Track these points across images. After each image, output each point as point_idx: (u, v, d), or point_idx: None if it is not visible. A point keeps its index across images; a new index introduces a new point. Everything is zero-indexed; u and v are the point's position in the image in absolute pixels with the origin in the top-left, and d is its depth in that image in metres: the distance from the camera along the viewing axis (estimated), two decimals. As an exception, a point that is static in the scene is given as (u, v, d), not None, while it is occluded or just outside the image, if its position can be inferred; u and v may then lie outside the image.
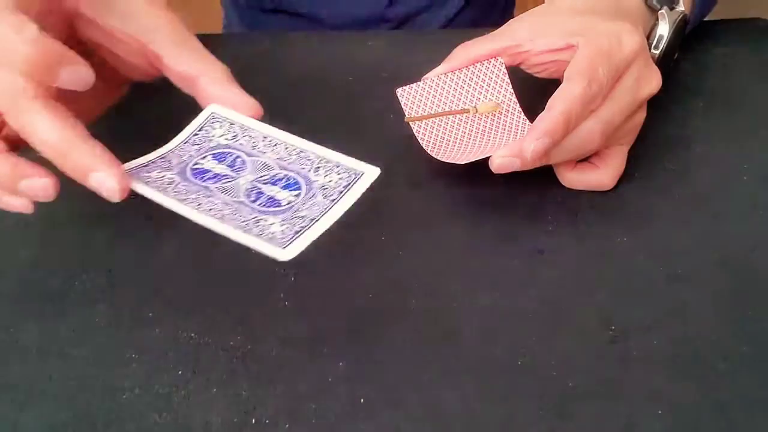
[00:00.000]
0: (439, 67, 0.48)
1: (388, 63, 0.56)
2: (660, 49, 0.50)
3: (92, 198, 0.46)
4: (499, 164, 0.42)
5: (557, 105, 0.41)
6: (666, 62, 0.52)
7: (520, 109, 0.47)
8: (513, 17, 0.88)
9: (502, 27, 0.48)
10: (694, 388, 0.37)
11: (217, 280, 0.42)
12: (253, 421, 0.36)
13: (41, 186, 0.36)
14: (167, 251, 0.43)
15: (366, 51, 0.58)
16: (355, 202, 0.46)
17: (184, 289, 0.41)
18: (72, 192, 0.46)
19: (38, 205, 0.45)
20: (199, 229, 0.44)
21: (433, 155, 0.45)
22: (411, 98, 0.48)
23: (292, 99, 0.53)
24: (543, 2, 0.51)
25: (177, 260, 0.42)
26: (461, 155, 0.45)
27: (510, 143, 0.43)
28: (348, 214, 0.45)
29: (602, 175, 0.46)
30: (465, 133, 0.47)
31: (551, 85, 0.45)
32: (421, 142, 0.46)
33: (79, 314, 0.40)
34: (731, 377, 0.37)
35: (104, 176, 0.34)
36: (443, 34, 0.61)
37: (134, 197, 0.36)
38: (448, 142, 0.47)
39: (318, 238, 0.44)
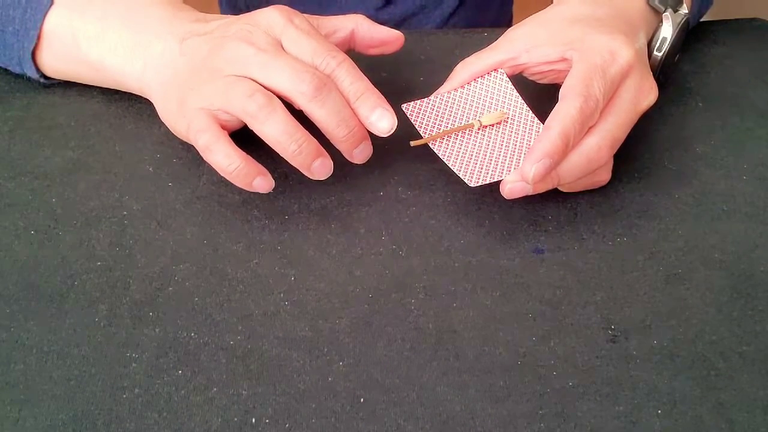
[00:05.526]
0: (442, 87, 0.49)
1: (388, 63, 0.56)
2: (663, 51, 0.50)
3: (92, 198, 0.46)
4: (510, 189, 0.42)
5: (554, 125, 0.41)
6: (668, 64, 0.52)
7: (531, 113, 0.47)
8: (511, 14, 0.89)
9: (500, 38, 0.48)
10: (694, 388, 0.37)
11: (217, 280, 0.42)
12: (253, 420, 0.36)
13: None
14: (167, 251, 0.43)
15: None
16: (355, 202, 0.46)
17: (184, 289, 0.41)
18: (72, 191, 0.46)
19: (38, 205, 0.45)
20: (198, 230, 0.44)
21: (453, 169, 0.45)
22: (418, 113, 0.48)
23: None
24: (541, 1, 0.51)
25: (177, 260, 0.42)
26: (477, 171, 0.44)
27: (517, 169, 0.42)
28: (348, 213, 0.45)
29: (599, 174, 0.46)
30: (481, 145, 0.47)
31: (556, 88, 0.45)
32: (441, 156, 0.46)
33: (79, 314, 0.40)
34: (731, 377, 0.38)
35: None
36: (442, 34, 0.61)
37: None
38: (464, 156, 0.46)
39: (318, 238, 0.44)
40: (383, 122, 0.43)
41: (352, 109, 0.44)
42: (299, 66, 0.42)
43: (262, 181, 0.43)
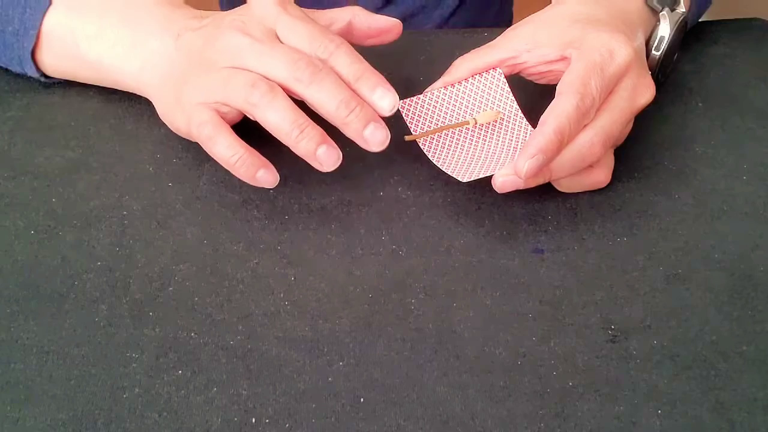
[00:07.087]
0: (439, 80, 0.49)
1: (387, 63, 0.56)
2: (661, 51, 0.50)
3: (92, 198, 0.46)
4: (502, 183, 0.43)
5: (550, 121, 0.41)
6: (666, 63, 0.52)
7: (523, 117, 0.47)
8: (511, 14, 0.89)
9: (500, 36, 0.48)
10: (694, 388, 0.37)
11: (218, 280, 0.42)
12: (253, 420, 0.36)
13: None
14: (167, 251, 0.43)
15: (364, 51, 0.58)
16: (355, 202, 0.46)
17: (184, 288, 0.41)
18: (72, 191, 0.46)
19: (38, 205, 0.45)
20: (198, 230, 0.44)
21: (439, 166, 0.45)
22: (413, 111, 0.48)
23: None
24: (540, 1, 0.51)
25: (177, 260, 0.42)
26: (466, 169, 0.45)
27: (510, 163, 0.43)
28: (348, 213, 0.45)
29: (597, 175, 0.46)
30: (470, 144, 0.47)
31: (553, 89, 0.45)
32: (427, 153, 0.46)
33: (79, 314, 0.40)
34: (731, 377, 0.38)
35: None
36: (441, 34, 0.61)
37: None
38: (453, 154, 0.46)
39: (318, 238, 0.44)
40: (384, 101, 0.43)
41: (353, 90, 0.43)
42: (295, 54, 0.42)
43: (265, 174, 0.43)
